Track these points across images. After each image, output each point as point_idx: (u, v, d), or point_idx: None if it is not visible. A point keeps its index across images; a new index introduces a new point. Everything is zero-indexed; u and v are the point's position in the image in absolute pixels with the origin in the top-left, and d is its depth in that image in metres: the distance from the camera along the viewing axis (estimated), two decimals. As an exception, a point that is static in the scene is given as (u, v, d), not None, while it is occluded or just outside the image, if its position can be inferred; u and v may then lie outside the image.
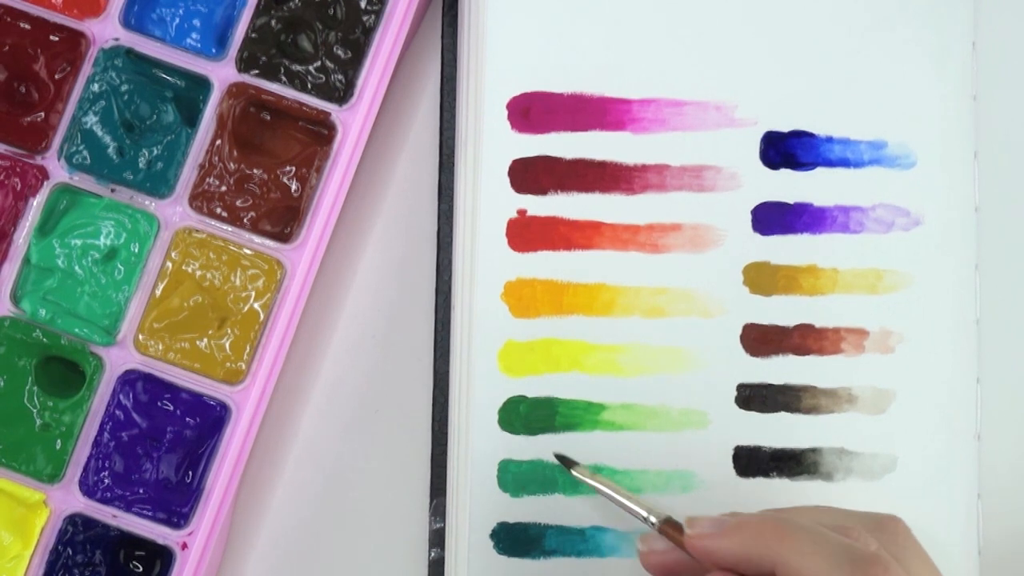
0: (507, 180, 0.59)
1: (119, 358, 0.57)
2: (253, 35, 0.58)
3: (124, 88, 0.58)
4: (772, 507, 0.58)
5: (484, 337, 0.58)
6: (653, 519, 0.52)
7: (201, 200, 0.57)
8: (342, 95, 0.58)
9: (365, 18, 0.58)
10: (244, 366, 0.57)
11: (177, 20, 0.58)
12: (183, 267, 0.57)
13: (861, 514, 0.50)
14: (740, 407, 0.59)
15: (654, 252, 0.59)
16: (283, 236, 0.58)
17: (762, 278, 0.59)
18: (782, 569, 0.46)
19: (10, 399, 0.57)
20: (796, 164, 0.60)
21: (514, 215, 0.59)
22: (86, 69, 0.58)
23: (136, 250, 0.57)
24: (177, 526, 0.56)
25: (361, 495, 0.60)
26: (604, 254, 0.59)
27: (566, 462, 0.56)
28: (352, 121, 0.58)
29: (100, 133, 0.57)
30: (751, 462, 0.59)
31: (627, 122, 0.59)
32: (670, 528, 0.51)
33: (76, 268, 0.57)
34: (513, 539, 0.58)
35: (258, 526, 0.60)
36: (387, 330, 0.61)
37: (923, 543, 0.57)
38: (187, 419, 0.57)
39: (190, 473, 0.57)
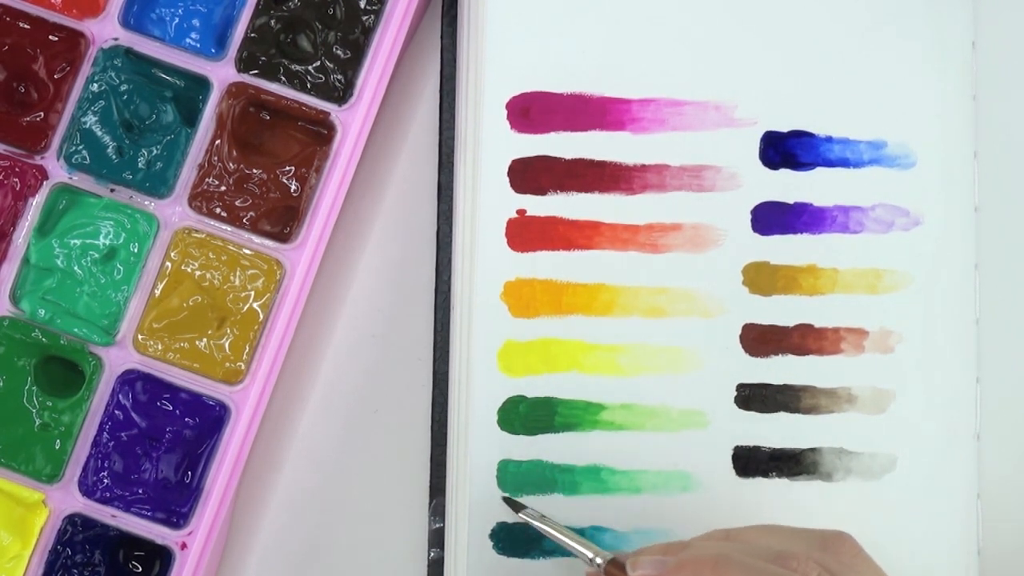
0: (506, 180, 0.59)
1: (118, 358, 0.57)
2: (252, 35, 0.58)
3: (123, 88, 0.58)
4: (770, 507, 0.58)
5: (483, 337, 0.58)
6: (599, 560, 0.53)
7: (200, 200, 0.57)
8: (341, 95, 0.58)
9: (364, 18, 0.58)
10: (243, 366, 0.57)
11: (176, 20, 0.58)
12: (182, 267, 0.57)
13: (808, 533, 0.50)
14: (740, 407, 0.59)
15: (654, 252, 0.59)
16: (282, 236, 0.58)
17: (762, 278, 0.59)
18: None
19: (9, 399, 0.57)
20: (796, 164, 0.60)
21: (513, 215, 0.59)
22: (85, 69, 0.58)
23: (135, 250, 0.57)
24: (176, 526, 0.56)
25: (361, 495, 0.60)
26: (604, 254, 0.59)
27: (514, 505, 0.57)
28: (351, 121, 0.58)
29: (99, 133, 0.57)
30: (750, 462, 0.58)
31: (627, 122, 0.59)
32: (616, 569, 0.52)
33: (75, 268, 0.57)
34: (512, 539, 0.58)
35: (258, 526, 0.60)
36: (387, 330, 0.61)
37: (923, 543, 0.57)
38: (186, 419, 0.57)
39: (189, 473, 0.57)
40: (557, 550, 0.58)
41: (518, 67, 0.59)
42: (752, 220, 0.59)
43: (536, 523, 0.56)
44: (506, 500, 0.57)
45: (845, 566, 0.48)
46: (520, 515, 0.56)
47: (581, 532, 0.58)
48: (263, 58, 0.58)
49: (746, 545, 0.49)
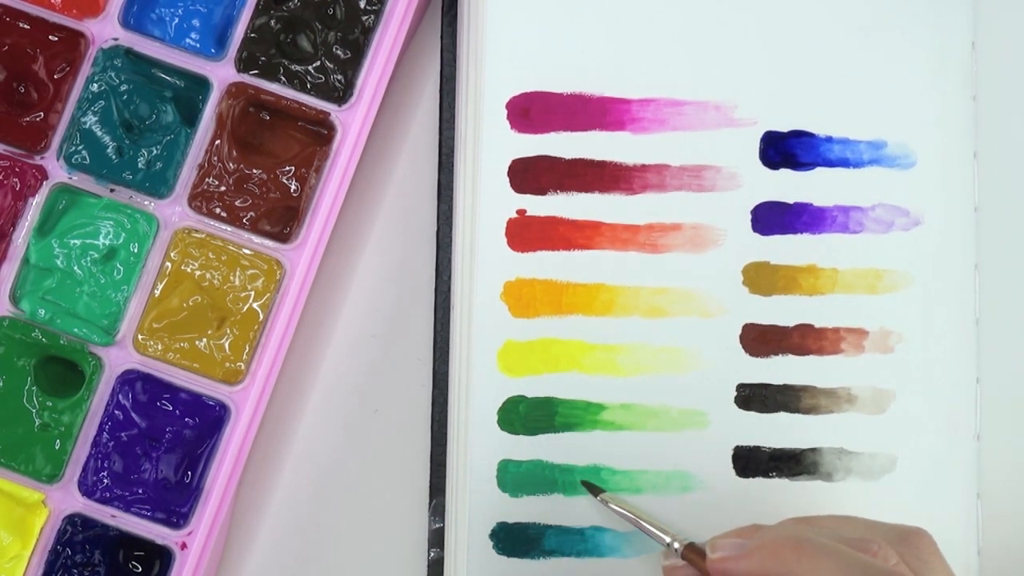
0: (506, 180, 0.59)
1: (118, 358, 0.57)
2: (252, 35, 0.58)
3: (123, 88, 0.58)
4: (770, 507, 0.58)
5: (483, 337, 0.58)
6: (676, 545, 0.53)
7: (200, 200, 0.57)
8: (341, 95, 0.58)
9: (364, 18, 0.58)
10: (243, 366, 0.57)
11: (176, 20, 0.58)
12: (182, 267, 0.57)
13: (886, 526, 0.50)
14: (740, 407, 0.59)
15: (654, 252, 0.59)
16: (282, 236, 0.58)
17: (762, 278, 0.59)
18: None
19: (9, 399, 0.57)
20: (796, 164, 0.60)
21: (513, 215, 0.59)
22: (85, 69, 0.58)
23: (135, 250, 0.57)
24: (176, 526, 0.56)
25: (361, 495, 0.60)
26: (604, 254, 0.59)
27: (593, 489, 0.57)
28: (351, 121, 0.58)
29: (99, 133, 0.57)
30: (750, 462, 0.58)
31: (627, 122, 0.59)
32: (692, 553, 0.52)
33: (75, 268, 0.57)
34: (512, 539, 0.58)
35: (258, 526, 0.60)
36: (387, 330, 0.61)
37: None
38: (186, 419, 0.57)
39: (189, 473, 0.57)
40: (557, 550, 0.58)
41: (518, 67, 0.59)
42: (752, 220, 0.59)
43: (615, 507, 0.56)
44: (585, 484, 0.57)
45: (922, 562, 0.48)
46: (599, 499, 0.56)
47: (581, 532, 0.58)
48: (263, 58, 0.58)
49: (824, 529, 0.49)
